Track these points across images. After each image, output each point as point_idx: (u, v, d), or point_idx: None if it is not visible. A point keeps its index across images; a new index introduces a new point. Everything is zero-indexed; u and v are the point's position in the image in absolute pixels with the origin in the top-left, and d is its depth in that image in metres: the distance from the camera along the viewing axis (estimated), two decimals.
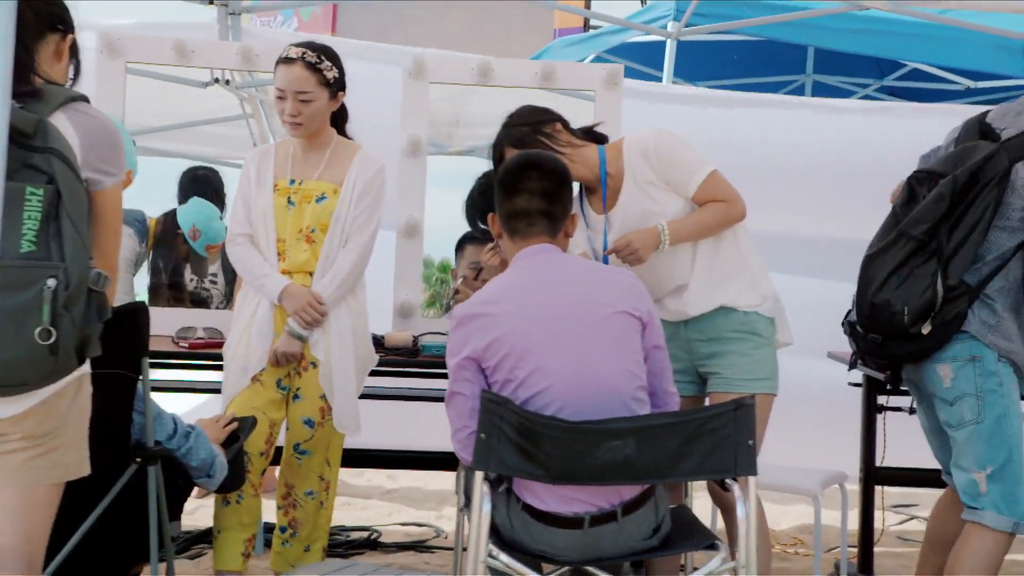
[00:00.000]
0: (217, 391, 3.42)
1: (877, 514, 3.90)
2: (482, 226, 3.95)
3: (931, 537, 3.23)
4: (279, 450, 3.43)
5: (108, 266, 2.23)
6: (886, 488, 4.07)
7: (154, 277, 4.42)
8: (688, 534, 2.67)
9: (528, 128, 3.05)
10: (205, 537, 4.16)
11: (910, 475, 3.63)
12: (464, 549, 2.55)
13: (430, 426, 3.70)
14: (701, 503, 3.44)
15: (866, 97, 7.66)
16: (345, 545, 4.30)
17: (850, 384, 3.93)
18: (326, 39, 3.81)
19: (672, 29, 5.99)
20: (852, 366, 3.25)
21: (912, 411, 3.25)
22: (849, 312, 3.18)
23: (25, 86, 2.17)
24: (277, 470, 3.46)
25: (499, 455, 2.44)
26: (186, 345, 3.69)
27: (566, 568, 2.62)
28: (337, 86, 3.32)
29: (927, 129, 3.56)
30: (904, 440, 3.57)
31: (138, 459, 2.71)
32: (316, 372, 3.30)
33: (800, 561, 4.37)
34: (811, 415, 4.63)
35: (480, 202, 4.05)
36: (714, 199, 3.02)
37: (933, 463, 3.22)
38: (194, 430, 2.91)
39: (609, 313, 2.58)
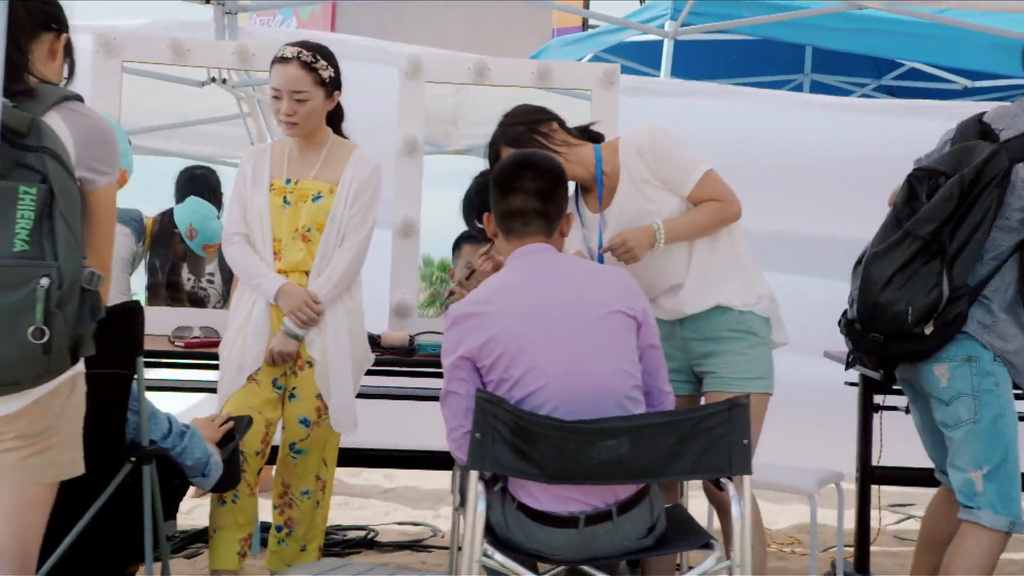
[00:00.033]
0: (213, 390, 3.42)
1: (873, 513, 3.90)
2: (479, 225, 3.95)
3: (925, 537, 3.23)
4: (275, 449, 3.43)
5: (102, 265, 2.22)
6: (883, 487, 4.07)
7: (151, 276, 4.41)
8: (683, 533, 2.67)
9: (524, 127, 3.05)
10: (202, 536, 4.15)
11: (906, 474, 3.63)
12: (460, 548, 2.55)
13: (427, 425, 3.70)
14: (698, 503, 3.44)
15: (864, 96, 7.67)
16: (342, 544, 4.30)
17: (846, 383, 3.93)
18: (323, 38, 3.81)
19: (669, 28, 5.99)
20: (849, 365, 3.26)
21: (908, 410, 3.25)
22: (846, 311, 3.18)
23: (19, 85, 2.17)
24: (274, 469, 3.46)
25: (494, 454, 2.44)
26: (182, 344, 3.69)
27: (562, 568, 2.63)
28: (333, 85, 3.31)
29: (925, 128, 3.55)
30: (900, 439, 3.57)
31: (133, 458, 2.71)
32: (312, 371, 3.30)
33: (797, 560, 4.37)
34: (807, 414, 4.63)
35: (477, 201, 4.05)
36: (710, 198, 3.02)
37: (929, 462, 3.22)
38: (189, 429, 2.91)
39: (604, 312, 2.58)
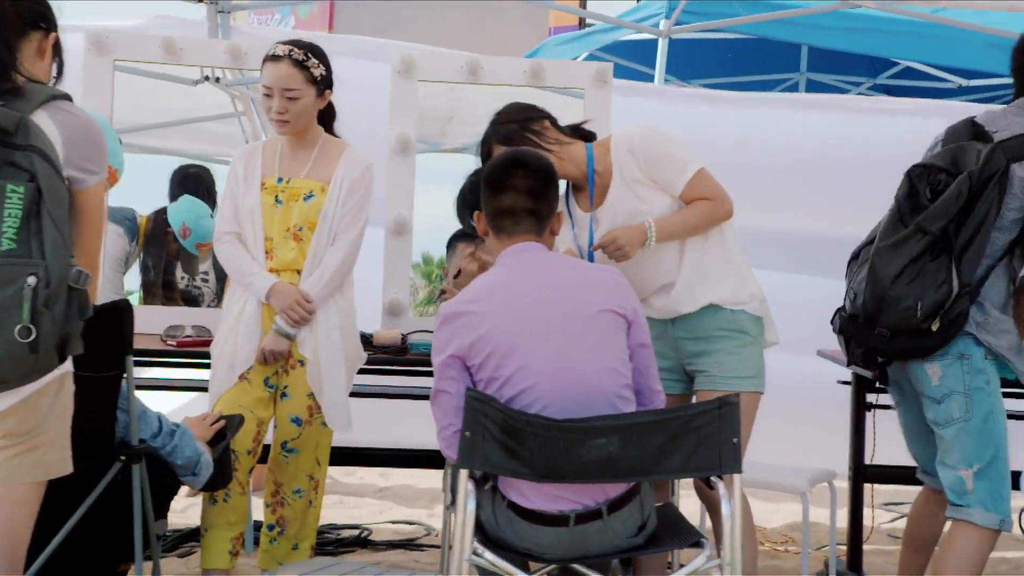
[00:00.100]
0: (205, 389, 3.42)
1: (867, 512, 3.90)
2: (473, 223, 3.95)
3: (910, 537, 3.25)
4: (268, 448, 3.42)
5: (90, 264, 2.22)
6: (877, 486, 4.08)
7: (145, 275, 4.41)
8: (674, 532, 2.68)
9: (516, 125, 3.05)
10: (194, 535, 4.15)
11: (899, 473, 3.63)
12: (451, 547, 2.55)
13: (420, 424, 3.70)
14: (689, 502, 3.44)
15: (859, 95, 7.67)
16: (335, 543, 4.29)
17: (839, 382, 3.94)
18: (316, 37, 3.81)
19: (663, 27, 5.99)
20: (851, 362, 3.24)
21: None
22: (839, 310, 3.19)
23: (7, 84, 2.17)
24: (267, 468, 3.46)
25: (484, 453, 2.44)
26: (174, 343, 3.69)
27: (553, 566, 2.63)
28: (324, 84, 3.31)
29: (920, 127, 3.56)
30: (893, 438, 3.56)
31: (122, 457, 2.71)
32: (304, 370, 3.30)
33: (790, 559, 4.38)
34: (800, 413, 4.63)
35: (471, 199, 4.04)
36: (701, 197, 3.02)
37: None
38: (179, 428, 2.91)
39: (594, 311, 2.59)
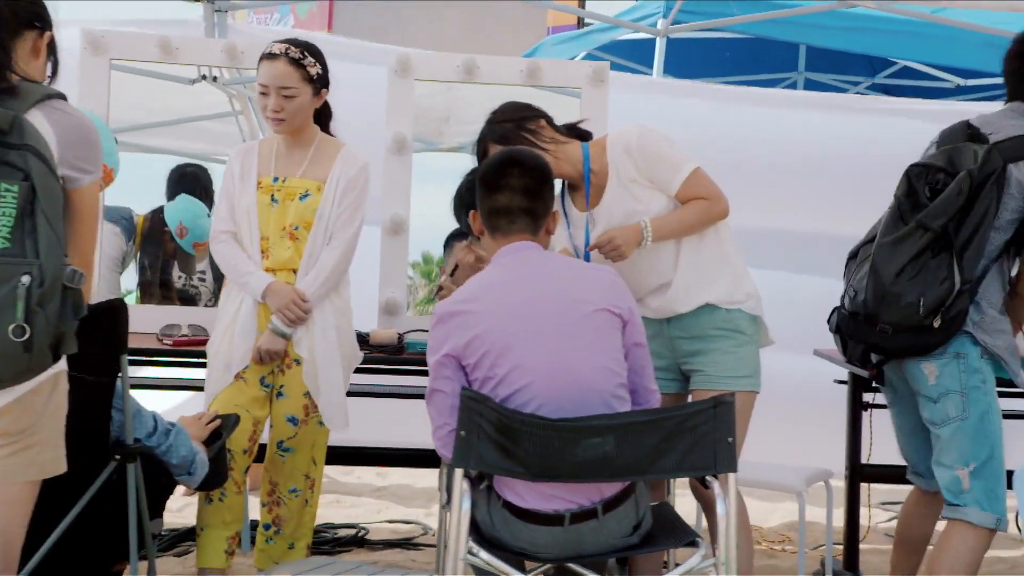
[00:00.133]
0: (201, 388, 3.42)
1: (863, 511, 3.91)
2: (469, 222, 3.95)
3: (901, 537, 3.26)
4: (264, 447, 3.42)
5: (84, 263, 2.23)
6: (873, 485, 4.08)
7: (142, 275, 4.41)
8: (669, 531, 2.68)
9: (512, 124, 3.05)
10: (191, 535, 4.14)
11: (896, 472, 3.62)
12: (446, 546, 2.55)
13: (417, 423, 3.70)
14: (686, 501, 3.43)
15: (857, 95, 7.67)
16: (332, 542, 4.30)
17: (836, 381, 3.94)
18: (313, 37, 3.81)
19: (661, 27, 5.99)
20: (849, 360, 3.25)
21: None
22: (836, 309, 3.19)
23: (1, 83, 2.17)
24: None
25: (479, 452, 2.44)
26: (170, 343, 3.69)
27: (549, 565, 2.63)
28: (320, 83, 3.31)
29: (919, 127, 3.57)
30: (890, 437, 3.56)
31: (117, 456, 2.71)
32: (300, 369, 3.30)
33: (787, 558, 4.38)
34: (797, 412, 4.64)
35: (468, 198, 4.04)
36: (697, 197, 3.01)
37: None
38: (174, 427, 2.91)
39: (589, 311, 2.58)
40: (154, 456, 2.85)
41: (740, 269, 3.10)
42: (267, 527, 3.40)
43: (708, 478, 2.53)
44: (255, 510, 3.60)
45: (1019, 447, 3.51)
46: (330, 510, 4.81)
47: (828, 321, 3.25)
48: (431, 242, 4.61)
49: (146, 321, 3.77)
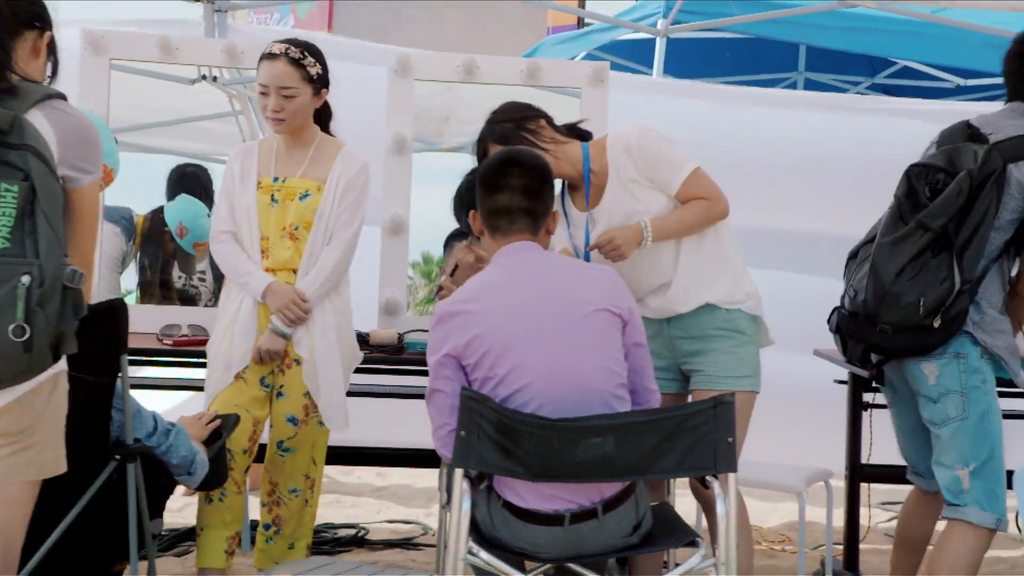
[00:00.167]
0: (201, 388, 3.42)
1: (863, 511, 3.91)
2: (469, 222, 3.95)
3: (901, 537, 3.26)
4: (264, 447, 3.42)
5: (84, 263, 2.23)
6: (873, 485, 4.08)
7: (142, 275, 4.41)
8: (669, 531, 2.68)
9: (512, 124, 3.05)
10: (191, 535, 4.14)
11: (896, 472, 3.63)
12: (446, 546, 2.55)
13: (417, 423, 3.71)
14: (687, 501, 3.44)
15: (857, 94, 7.67)
16: (332, 543, 4.30)
17: (836, 381, 3.94)
18: (313, 37, 3.81)
19: (661, 27, 5.99)
20: (849, 360, 3.25)
21: None
22: (836, 309, 3.19)
23: (1, 83, 2.17)
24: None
25: (479, 452, 2.44)
26: (170, 343, 3.69)
27: (549, 566, 2.63)
28: (320, 83, 3.31)
29: (918, 127, 3.57)
30: (890, 437, 3.56)
31: (117, 456, 2.71)
32: (300, 369, 3.30)
33: (787, 558, 4.38)
34: (797, 412, 4.64)
35: (468, 198, 4.04)
36: (697, 197, 3.01)
37: None
38: (174, 427, 2.91)
39: (589, 310, 2.58)
40: (154, 456, 2.85)
41: (740, 269, 3.10)
42: (267, 527, 3.40)
43: (708, 478, 2.53)
44: (255, 510, 3.60)
45: (1019, 447, 3.51)
46: (330, 510, 4.81)
47: (828, 321, 3.25)
48: (431, 242, 4.61)
49: (146, 321, 3.77)
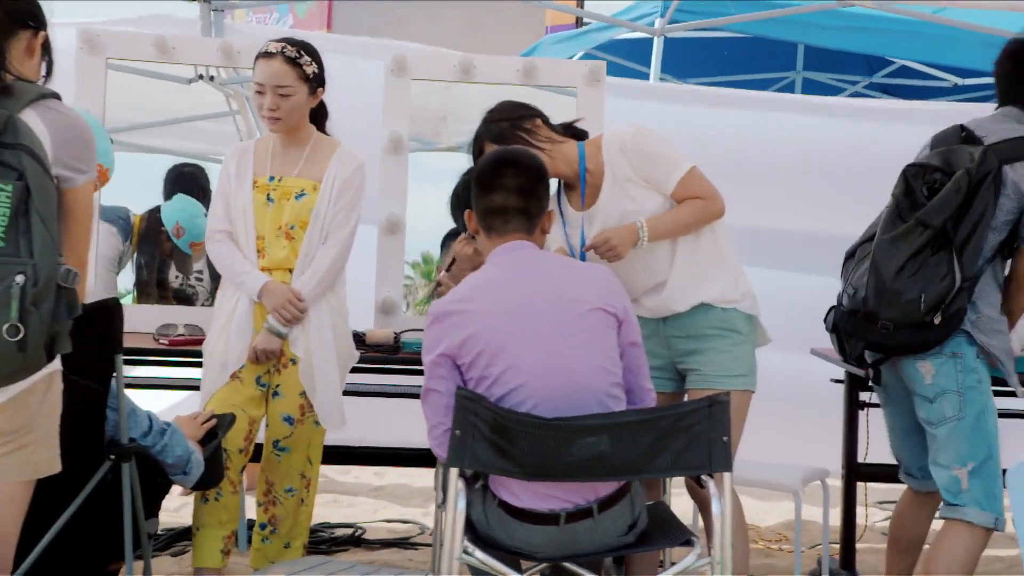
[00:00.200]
0: (197, 388, 3.42)
1: (860, 510, 3.91)
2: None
3: (895, 538, 3.26)
4: (260, 447, 3.42)
5: (78, 263, 2.23)
6: (870, 484, 4.08)
7: (138, 275, 4.41)
8: (664, 530, 2.67)
9: (507, 123, 3.05)
10: (188, 534, 4.14)
11: (892, 471, 3.63)
12: (442, 545, 2.55)
13: (414, 423, 3.70)
14: (683, 500, 3.44)
15: (855, 94, 7.68)
16: (329, 542, 4.29)
17: (832, 380, 3.94)
18: (310, 36, 3.81)
19: (658, 26, 5.99)
20: (846, 359, 3.25)
21: None
22: (833, 308, 3.19)
23: None
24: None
25: (473, 452, 2.43)
26: (166, 342, 3.68)
27: (545, 565, 2.63)
28: (316, 82, 3.31)
29: (915, 126, 3.58)
30: (886, 436, 3.58)
31: (112, 456, 2.71)
32: (296, 369, 3.30)
33: (785, 557, 4.38)
34: (793, 411, 4.64)
35: (465, 197, 4.01)
36: (693, 196, 3.01)
37: None
38: (169, 427, 2.91)
39: (585, 310, 2.58)
40: (149, 456, 2.85)
41: (736, 268, 3.09)
42: (263, 527, 3.40)
43: (703, 477, 2.53)
44: (252, 510, 3.60)
45: (1012, 446, 3.51)
46: (327, 509, 4.81)
47: (824, 320, 3.25)
48: (431, 243, 4.61)
49: (143, 321, 3.77)
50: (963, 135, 3.00)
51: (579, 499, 2.52)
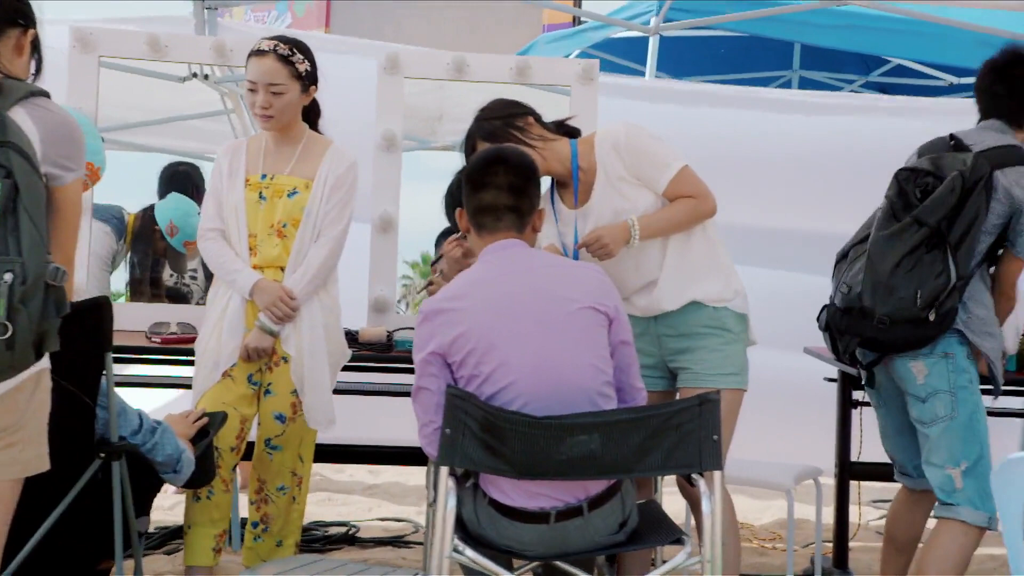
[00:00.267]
0: (190, 386, 3.41)
1: (853, 509, 3.91)
2: None
3: (890, 536, 3.27)
4: (252, 445, 3.42)
5: (66, 261, 2.22)
6: (863, 483, 4.08)
7: (132, 273, 4.40)
8: (655, 529, 2.67)
9: (500, 121, 3.05)
10: (180, 532, 4.14)
11: (886, 470, 3.64)
12: (432, 544, 2.55)
13: (408, 421, 3.70)
14: (675, 499, 3.44)
15: (852, 92, 7.67)
16: (322, 540, 4.29)
17: (825, 379, 3.94)
18: (305, 35, 3.81)
19: (653, 25, 5.99)
20: (839, 358, 3.25)
21: None
22: (826, 306, 3.20)
23: None
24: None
25: (464, 450, 2.43)
26: (159, 340, 3.68)
27: (536, 563, 2.63)
28: (309, 80, 3.31)
29: (910, 124, 3.58)
30: (879, 435, 3.58)
31: (102, 454, 2.70)
32: (287, 367, 3.29)
33: (778, 556, 4.38)
34: (786, 410, 4.64)
35: (459, 196, 4.02)
36: (685, 194, 3.01)
37: None
38: (160, 426, 2.90)
39: (575, 308, 2.58)
40: (139, 454, 2.84)
41: (728, 267, 3.09)
42: (255, 525, 3.40)
43: (694, 476, 2.53)
44: (244, 508, 3.59)
45: (1000, 445, 3.52)
46: (321, 508, 4.81)
47: (817, 319, 3.25)
48: (430, 243, 4.61)
49: (137, 319, 3.77)
50: (952, 144, 3.03)
51: (569, 498, 2.52)
